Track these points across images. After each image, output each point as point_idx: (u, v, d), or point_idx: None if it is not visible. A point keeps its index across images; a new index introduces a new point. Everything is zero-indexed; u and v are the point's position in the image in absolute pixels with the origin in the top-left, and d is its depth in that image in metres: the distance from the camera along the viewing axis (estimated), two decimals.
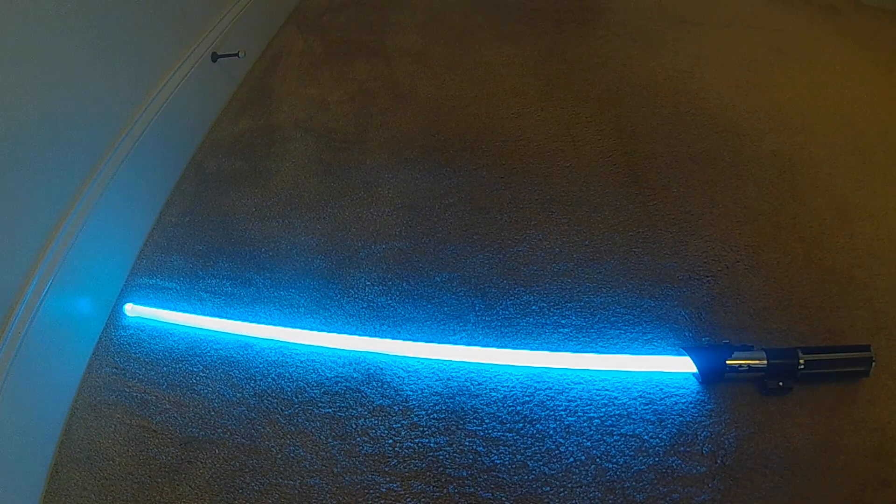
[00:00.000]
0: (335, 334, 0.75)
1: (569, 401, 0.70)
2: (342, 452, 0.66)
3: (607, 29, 1.24)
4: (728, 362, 0.68)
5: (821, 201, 0.90)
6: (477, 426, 0.68)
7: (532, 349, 0.73)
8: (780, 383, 0.68)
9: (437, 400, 0.70)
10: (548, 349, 0.73)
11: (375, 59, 1.19)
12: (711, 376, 0.70)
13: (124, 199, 0.80)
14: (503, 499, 0.63)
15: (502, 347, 0.73)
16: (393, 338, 0.75)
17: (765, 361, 0.68)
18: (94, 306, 0.77)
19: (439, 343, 0.74)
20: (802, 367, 0.67)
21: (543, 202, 0.90)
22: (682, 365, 0.70)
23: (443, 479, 0.64)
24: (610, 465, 0.65)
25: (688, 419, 0.68)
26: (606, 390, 0.70)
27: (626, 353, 0.73)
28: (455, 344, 0.74)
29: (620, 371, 0.71)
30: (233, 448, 0.67)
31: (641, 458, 0.65)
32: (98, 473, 0.66)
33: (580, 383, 0.71)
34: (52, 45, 0.66)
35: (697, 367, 0.69)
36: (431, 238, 0.86)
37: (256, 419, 0.69)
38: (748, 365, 0.68)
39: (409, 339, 0.74)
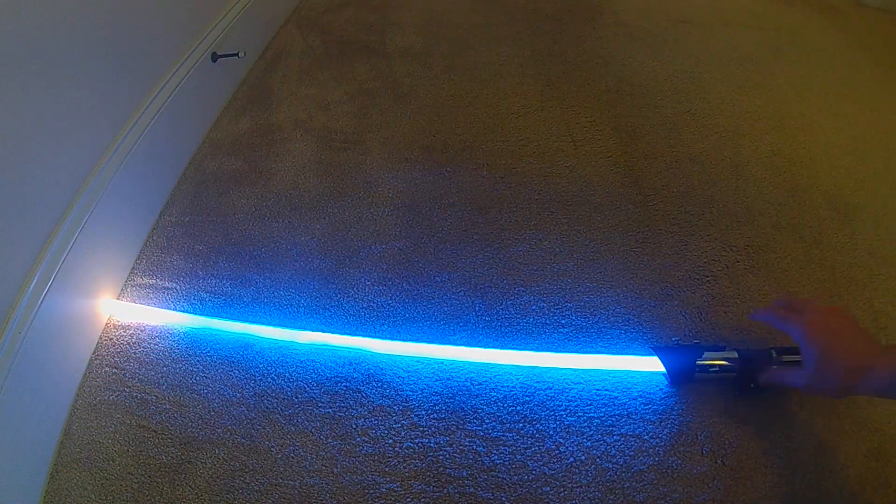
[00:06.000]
0: (335, 334, 0.75)
1: (569, 401, 0.70)
2: (342, 452, 0.66)
3: (607, 29, 1.24)
4: (699, 362, 0.67)
5: (821, 201, 0.90)
6: (477, 426, 0.68)
7: (532, 349, 0.73)
8: (753, 384, 0.67)
9: (437, 400, 0.70)
10: (548, 349, 0.73)
11: (375, 59, 1.19)
12: (680, 377, 0.69)
13: (124, 199, 0.80)
14: (503, 499, 0.63)
15: (502, 347, 0.73)
16: (393, 338, 0.75)
17: (737, 361, 0.67)
18: (95, 306, 0.77)
19: (439, 343, 0.74)
20: (777, 366, 0.66)
21: (543, 202, 0.90)
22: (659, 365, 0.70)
23: (443, 479, 0.64)
24: (610, 465, 0.65)
25: (688, 419, 0.68)
26: (606, 390, 0.70)
27: (625, 353, 0.73)
28: (455, 344, 0.74)
29: (620, 371, 0.71)
30: (233, 448, 0.67)
31: (641, 458, 0.65)
32: (98, 473, 0.66)
33: (580, 383, 0.71)
34: (52, 43, 0.66)
35: (665, 368, 0.68)
36: (431, 238, 0.86)
37: (256, 419, 0.69)
38: (720, 365, 0.67)
39: (409, 339, 0.74)
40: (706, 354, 0.68)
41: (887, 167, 0.95)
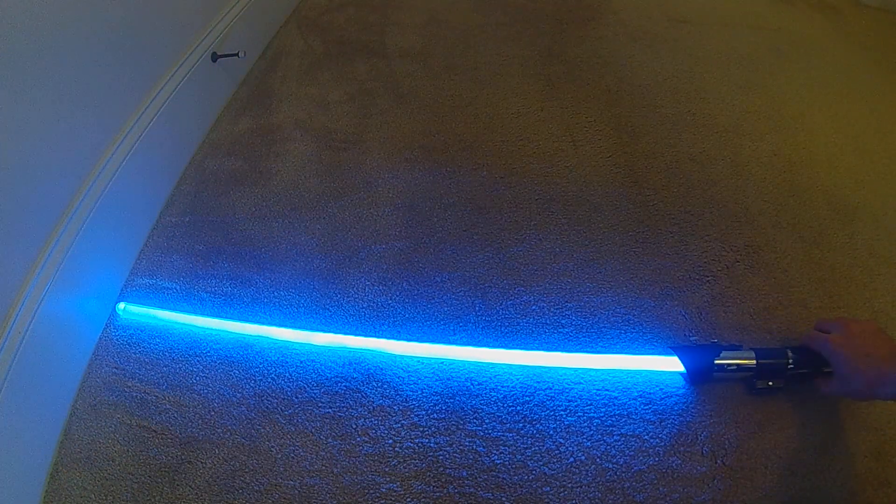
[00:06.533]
0: (335, 334, 0.75)
1: (569, 401, 0.70)
2: (342, 452, 0.66)
3: (607, 29, 1.24)
4: (716, 362, 0.68)
5: (821, 201, 0.90)
6: (477, 426, 0.68)
7: (532, 349, 0.72)
8: (770, 383, 0.67)
9: (437, 400, 0.70)
10: (548, 349, 0.73)
11: (375, 59, 1.19)
12: (699, 376, 0.69)
13: (124, 199, 0.80)
14: (503, 499, 0.63)
15: (502, 347, 0.73)
16: (393, 338, 0.75)
17: (754, 361, 0.67)
18: (94, 306, 0.77)
19: (439, 343, 0.74)
20: (791, 366, 0.66)
21: (543, 202, 0.90)
22: (676, 365, 0.70)
23: (443, 479, 0.64)
24: (610, 465, 0.65)
25: (688, 419, 0.68)
26: (606, 390, 0.70)
27: (626, 353, 0.73)
28: (455, 344, 0.74)
29: (620, 371, 0.71)
30: (233, 448, 0.67)
31: (641, 458, 0.65)
32: (98, 473, 0.66)
33: (580, 383, 0.71)
34: (52, 43, 0.66)
35: (685, 367, 0.69)
36: (431, 238, 0.86)
37: (256, 419, 0.69)
38: (737, 364, 0.68)
39: (409, 339, 0.74)
40: (724, 354, 0.68)
41: (887, 167, 0.95)
